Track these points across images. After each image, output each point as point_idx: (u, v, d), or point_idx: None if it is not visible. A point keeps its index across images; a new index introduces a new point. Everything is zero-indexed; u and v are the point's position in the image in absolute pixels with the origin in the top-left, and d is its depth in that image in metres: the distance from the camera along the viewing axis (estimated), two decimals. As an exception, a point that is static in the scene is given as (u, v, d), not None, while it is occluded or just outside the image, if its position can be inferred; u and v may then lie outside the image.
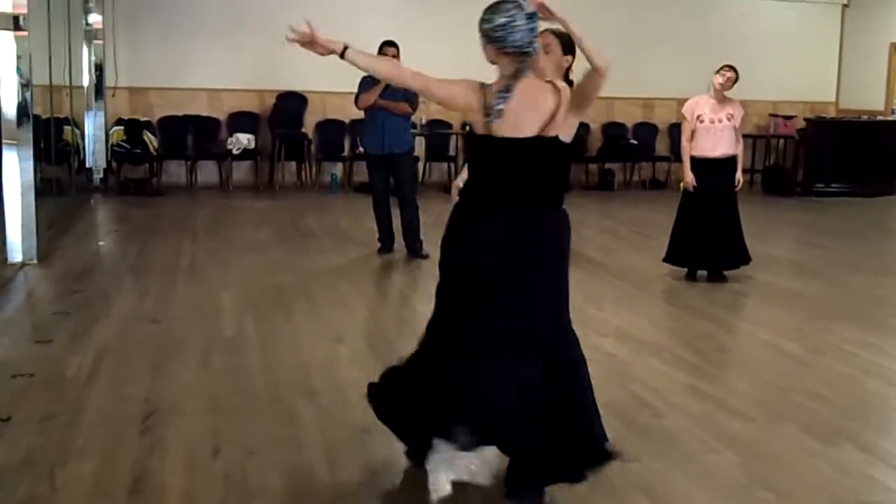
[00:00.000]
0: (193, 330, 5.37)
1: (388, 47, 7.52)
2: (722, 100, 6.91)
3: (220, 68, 11.68)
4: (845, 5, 13.98)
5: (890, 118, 13.16)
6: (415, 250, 7.62)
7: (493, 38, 3.04)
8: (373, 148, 7.68)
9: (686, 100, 7.08)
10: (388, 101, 7.44)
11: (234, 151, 11.60)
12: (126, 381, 4.44)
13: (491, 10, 3.04)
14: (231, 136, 11.66)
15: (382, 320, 6.03)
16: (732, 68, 6.91)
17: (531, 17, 3.00)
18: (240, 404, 4.19)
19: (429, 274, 7.16)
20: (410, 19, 11.83)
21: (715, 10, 13.41)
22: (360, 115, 8.05)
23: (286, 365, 4.78)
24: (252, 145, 11.69)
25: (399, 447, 3.64)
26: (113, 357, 4.83)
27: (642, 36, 12.58)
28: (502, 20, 3.00)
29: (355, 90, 7.61)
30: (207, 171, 11.85)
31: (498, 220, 3.10)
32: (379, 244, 7.77)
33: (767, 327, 5.93)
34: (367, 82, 7.50)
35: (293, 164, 12.14)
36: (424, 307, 6.22)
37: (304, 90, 11.91)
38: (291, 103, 11.96)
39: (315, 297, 6.27)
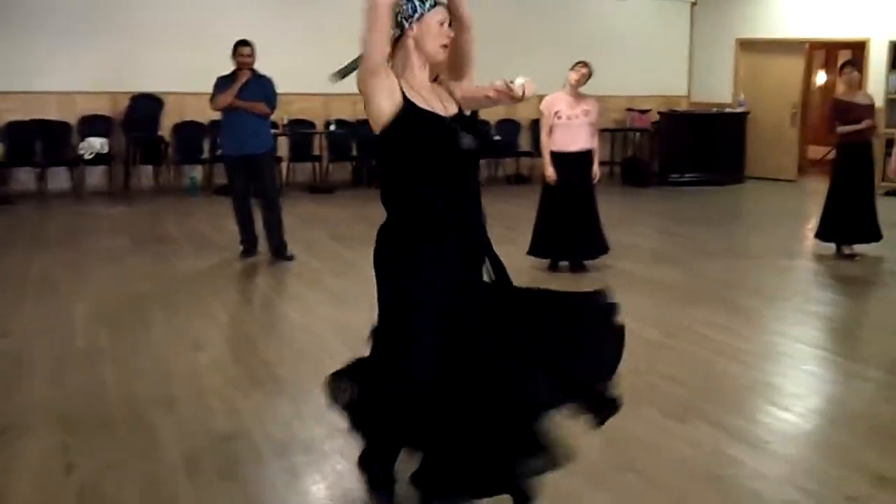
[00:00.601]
0: (45, 344, 5.12)
1: (243, 47, 7.37)
2: (577, 96, 7.07)
3: (69, 71, 11.17)
4: (693, 3, 14.54)
5: (737, 110, 13.77)
6: (279, 252, 7.50)
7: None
8: (231, 149, 7.50)
9: (545, 97, 7.21)
10: (245, 101, 7.29)
11: (87, 156, 11.13)
12: (-30, 401, 4.20)
13: None
14: (83, 140, 11.19)
15: (245, 325, 5.89)
16: (586, 64, 7.08)
17: None
18: (95, 418, 4.02)
19: (294, 276, 7.07)
20: (268, 20, 11.62)
21: (572, 9, 13.72)
22: (220, 115, 7.84)
23: (144, 376, 4.62)
24: (105, 150, 11.24)
25: (265, 451, 3.57)
26: (-44, 376, 4.56)
27: (503, 35, 12.72)
28: None
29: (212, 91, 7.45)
30: (59, 178, 11.28)
31: None
32: (241, 247, 7.60)
33: (626, 314, 6.07)
34: (223, 82, 7.35)
35: (149, 168, 11.75)
36: (289, 310, 6.17)
37: (160, 92, 11.53)
38: (146, 106, 11.55)
39: (174, 305, 6.07)
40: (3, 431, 3.82)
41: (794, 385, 4.73)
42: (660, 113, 13.78)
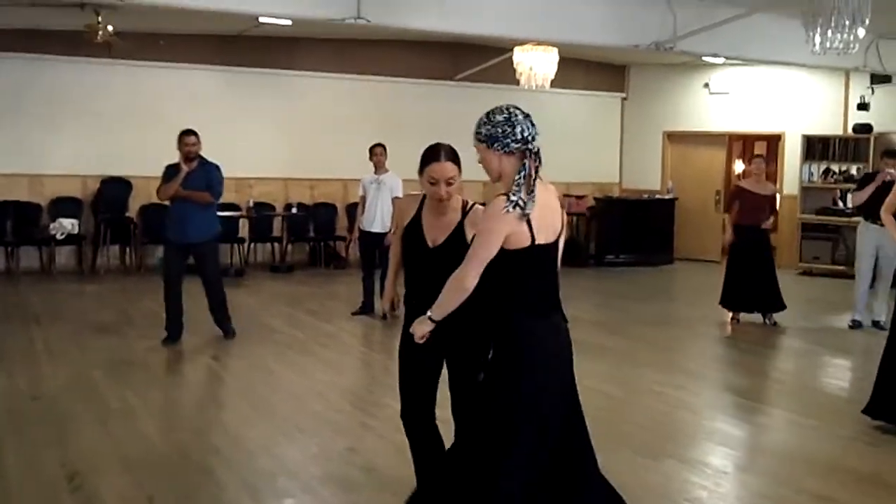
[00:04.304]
0: (78, 404, 5.67)
1: (187, 136, 7.48)
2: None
3: (40, 153, 11.72)
4: (624, 98, 15.77)
5: (666, 196, 14.94)
6: (224, 325, 7.76)
7: (496, 138, 3.08)
8: (175, 236, 7.55)
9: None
10: (190, 189, 7.40)
11: (58, 236, 11.61)
12: (33, 451, 4.75)
13: (487, 115, 3.14)
14: (54, 221, 11.68)
15: (255, 386, 6.45)
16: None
17: (527, 116, 3.15)
18: (153, 462, 4.62)
19: (285, 346, 7.68)
20: (232, 107, 12.40)
21: (511, 103, 14.77)
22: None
23: (181, 428, 5.23)
24: (76, 230, 11.75)
25: (309, 484, 4.23)
26: (8, 433, 5.07)
27: (448, 129, 13.63)
28: (501, 118, 3.10)
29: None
30: (28, 257, 11.73)
31: (556, 327, 3.18)
32: (165, 333, 7.55)
33: (586, 376, 6.82)
34: (170, 172, 7.52)
35: (116, 247, 12.25)
36: (292, 374, 6.77)
37: (128, 175, 12.09)
38: (116, 188, 12.11)
39: (182, 372, 6.68)
40: (77, 474, 4.39)
41: (739, 430, 5.58)
42: (595, 199, 14.85)
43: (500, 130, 3.09)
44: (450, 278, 3.09)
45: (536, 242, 3.05)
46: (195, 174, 7.43)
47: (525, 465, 3.03)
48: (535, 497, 3.07)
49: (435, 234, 3.59)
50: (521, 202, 2.99)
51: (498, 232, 3.00)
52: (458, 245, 3.45)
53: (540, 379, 3.05)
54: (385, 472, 4.52)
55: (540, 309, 3.13)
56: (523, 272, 3.09)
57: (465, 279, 3.03)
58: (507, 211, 2.98)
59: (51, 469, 4.47)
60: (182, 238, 7.49)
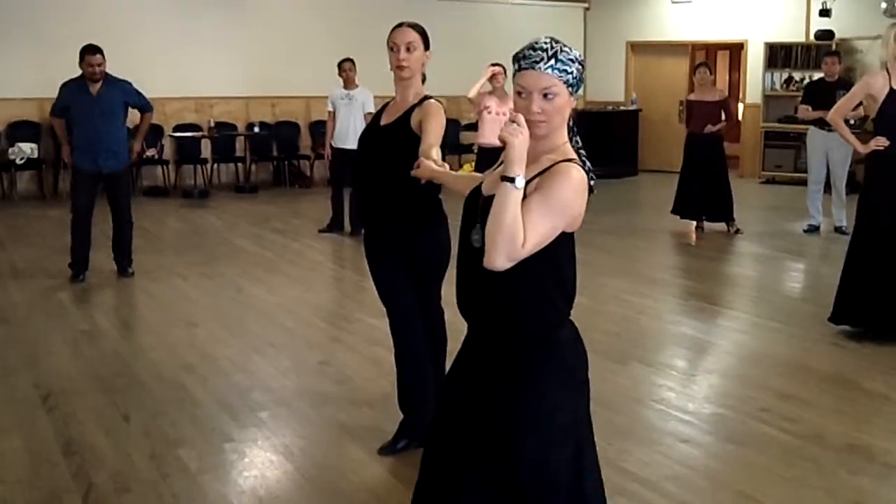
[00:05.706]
0: (47, 326, 5.67)
1: (91, 55, 6.67)
2: (502, 95, 7.98)
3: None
4: (586, 8, 15.62)
5: (630, 108, 14.93)
6: (124, 270, 7.02)
7: (580, 80, 2.20)
8: (85, 163, 6.76)
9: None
10: (106, 109, 6.72)
11: (18, 161, 11.40)
12: (6, 374, 4.76)
13: (568, 49, 2.17)
14: (12, 146, 11.45)
15: (225, 305, 6.47)
16: (503, 65, 7.98)
17: None
18: (127, 381, 4.66)
19: (253, 265, 7.66)
20: (189, 25, 12.10)
21: (469, 14, 14.51)
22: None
23: (153, 348, 5.25)
24: (35, 154, 11.53)
25: (282, 395, 4.29)
26: (-21, 356, 5.08)
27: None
28: (576, 54, 2.19)
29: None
30: (-14, 183, 11.54)
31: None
32: (70, 271, 6.87)
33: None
34: (69, 91, 6.87)
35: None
36: (261, 292, 6.79)
37: (86, 97, 11.84)
38: (74, 111, 11.85)
39: (152, 293, 6.62)
40: (52, 393, 4.42)
41: (703, 334, 5.72)
42: (559, 112, 14.77)
43: (582, 69, 2.20)
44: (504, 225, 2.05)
45: None
46: (106, 96, 6.69)
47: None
48: None
49: (390, 115, 3.64)
50: (591, 175, 2.23)
51: (573, 211, 2.16)
52: (402, 128, 3.50)
53: (582, 401, 2.39)
54: (358, 384, 4.61)
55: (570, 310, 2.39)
56: (571, 263, 2.32)
57: (520, 248, 2.08)
58: (588, 186, 2.19)
59: (25, 390, 4.49)
60: (93, 164, 6.72)
